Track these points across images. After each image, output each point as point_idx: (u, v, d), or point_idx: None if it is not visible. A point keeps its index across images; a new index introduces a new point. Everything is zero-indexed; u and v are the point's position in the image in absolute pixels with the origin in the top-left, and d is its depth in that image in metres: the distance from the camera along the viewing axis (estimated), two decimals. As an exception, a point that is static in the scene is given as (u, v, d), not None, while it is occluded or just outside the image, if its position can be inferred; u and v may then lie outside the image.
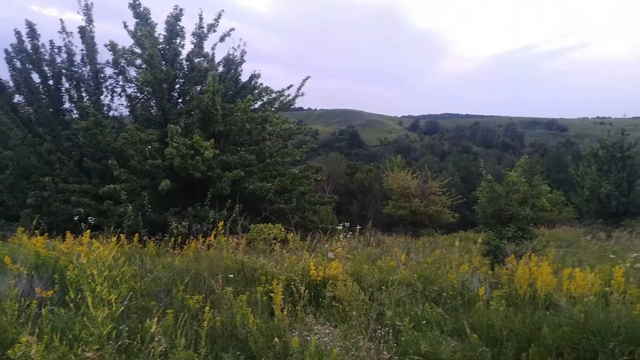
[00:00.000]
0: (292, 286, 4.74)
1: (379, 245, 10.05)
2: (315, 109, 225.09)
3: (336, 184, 36.05)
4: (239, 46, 13.77)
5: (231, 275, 5.03)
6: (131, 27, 12.18)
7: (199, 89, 12.44)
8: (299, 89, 13.61)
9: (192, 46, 12.92)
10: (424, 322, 4.31)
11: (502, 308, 4.57)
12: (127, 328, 3.51)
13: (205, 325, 3.64)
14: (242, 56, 13.80)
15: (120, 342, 3.27)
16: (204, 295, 4.47)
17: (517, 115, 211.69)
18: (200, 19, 12.94)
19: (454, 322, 4.46)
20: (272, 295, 4.28)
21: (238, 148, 12.10)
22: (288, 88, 13.58)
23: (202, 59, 12.93)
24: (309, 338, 3.56)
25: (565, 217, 25.17)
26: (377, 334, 3.83)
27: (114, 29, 17.31)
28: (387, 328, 3.97)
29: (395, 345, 3.80)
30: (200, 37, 12.92)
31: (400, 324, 4.07)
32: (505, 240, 9.09)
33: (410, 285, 5.31)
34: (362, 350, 3.45)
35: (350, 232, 8.32)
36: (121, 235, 7.29)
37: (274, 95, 13.34)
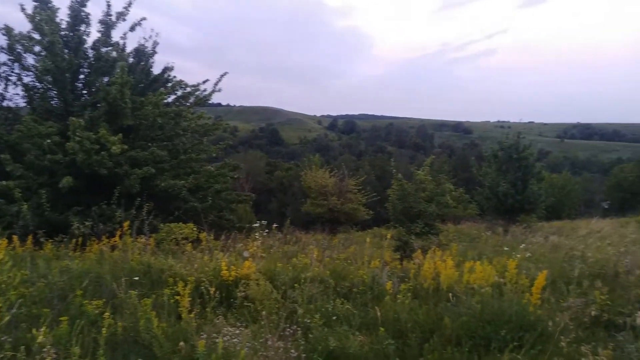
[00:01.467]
0: (203, 287, 4.60)
1: (296, 243, 10.09)
2: (235, 106, 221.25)
3: (255, 182, 35.65)
4: (150, 37, 13.10)
5: (136, 278, 4.76)
6: (29, 11, 11.16)
7: (106, 80, 11.67)
8: (216, 84, 13.30)
9: (99, 34, 12.09)
10: (334, 318, 4.39)
11: (408, 301, 4.78)
12: (10, 339, 3.19)
13: (105, 331, 3.42)
14: (154, 47, 13.11)
15: (2, 355, 2.97)
16: (105, 300, 4.20)
17: (427, 118, 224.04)
18: (108, 5, 12.13)
19: (363, 316, 4.59)
20: (179, 297, 4.12)
21: (149, 144, 11.52)
22: (204, 82, 13.23)
23: (110, 48, 12.13)
24: (217, 340, 3.47)
25: (469, 213, 26.91)
26: (287, 332, 3.83)
27: (9, 12, 15.72)
28: (296, 326, 3.99)
29: (304, 342, 3.83)
30: (108, 25, 12.12)
31: (309, 321, 4.11)
32: (414, 236, 9.55)
33: (323, 282, 5.37)
34: (270, 350, 3.43)
35: (268, 231, 8.25)
36: (13, 236, 6.70)
37: (188, 89, 12.93)
